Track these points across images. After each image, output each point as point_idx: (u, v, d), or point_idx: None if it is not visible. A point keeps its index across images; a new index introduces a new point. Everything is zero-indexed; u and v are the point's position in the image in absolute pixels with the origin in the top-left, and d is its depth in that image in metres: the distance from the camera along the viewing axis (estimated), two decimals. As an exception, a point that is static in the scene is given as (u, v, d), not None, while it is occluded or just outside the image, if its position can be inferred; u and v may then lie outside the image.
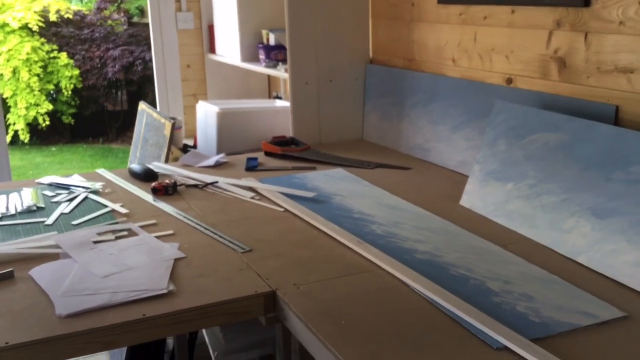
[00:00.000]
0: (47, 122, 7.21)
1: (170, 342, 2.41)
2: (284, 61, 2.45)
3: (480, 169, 1.64)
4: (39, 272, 1.29)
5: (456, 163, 1.92)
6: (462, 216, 1.57)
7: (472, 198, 1.63)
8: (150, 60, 7.38)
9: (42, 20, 7.18)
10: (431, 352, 1.00)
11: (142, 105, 2.62)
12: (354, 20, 2.30)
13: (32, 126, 7.18)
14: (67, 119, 7.52)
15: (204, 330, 1.69)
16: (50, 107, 7.21)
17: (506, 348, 1.00)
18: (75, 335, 1.07)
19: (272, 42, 2.60)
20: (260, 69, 2.64)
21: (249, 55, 2.74)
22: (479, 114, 1.83)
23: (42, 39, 7.23)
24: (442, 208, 1.62)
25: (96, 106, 7.86)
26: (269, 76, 3.23)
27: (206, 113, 2.51)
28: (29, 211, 1.68)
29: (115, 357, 2.37)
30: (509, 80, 1.78)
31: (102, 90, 7.69)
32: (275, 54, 2.54)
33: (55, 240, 1.43)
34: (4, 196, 1.79)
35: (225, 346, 1.51)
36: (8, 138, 6.96)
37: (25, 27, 7.07)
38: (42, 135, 7.50)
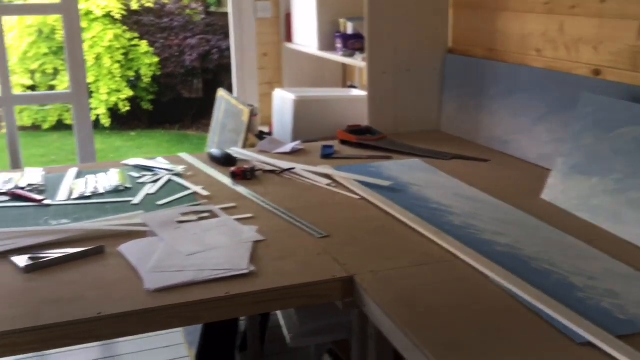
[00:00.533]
0: (127, 108, 7.50)
1: (242, 324, 2.48)
2: (361, 50, 2.45)
3: (564, 162, 1.60)
4: (127, 248, 1.35)
5: (537, 156, 1.88)
6: (543, 210, 1.54)
7: (555, 192, 1.59)
8: (226, 49, 7.54)
9: (124, 8, 7.45)
10: (511, 343, 0.99)
11: (221, 92, 2.68)
12: (434, 9, 2.28)
13: (113, 111, 7.48)
14: (146, 105, 7.79)
15: (279, 313, 1.73)
16: (131, 93, 7.49)
17: (589, 343, 0.98)
18: (163, 309, 1.12)
19: (349, 31, 2.61)
20: (337, 57, 2.65)
21: (326, 44, 2.76)
22: (563, 106, 1.78)
23: (124, 27, 7.51)
24: (521, 201, 1.59)
25: (173, 93, 8.11)
26: (344, 65, 3.24)
27: (283, 100, 2.55)
28: (116, 191, 1.76)
29: (190, 335, 2.46)
30: (597, 72, 1.72)
31: (179, 78, 7.92)
32: (353, 43, 2.54)
33: (142, 219, 1.50)
34: (93, 176, 1.89)
35: (300, 328, 1.54)
36: (91, 122, 7.28)
37: (108, 16, 7.36)
38: (122, 120, 7.80)
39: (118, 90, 7.39)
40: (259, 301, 1.18)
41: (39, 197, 1.68)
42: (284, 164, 1.93)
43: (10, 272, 1.26)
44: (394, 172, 1.85)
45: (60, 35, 7.26)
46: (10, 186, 1.77)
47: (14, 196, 1.70)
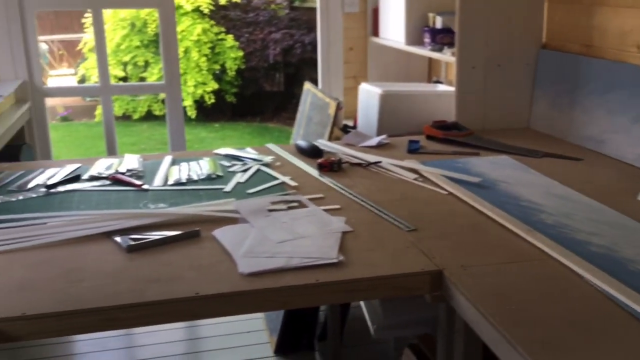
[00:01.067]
0: (212, 100, 7.71)
1: (322, 314, 2.52)
2: (450, 45, 2.43)
3: (665, 163, 1.53)
4: (221, 233, 1.40)
5: (635, 156, 1.81)
6: (641, 212, 1.48)
7: (654, 194, 1.53)
8: (309, 43, 7.62)
9: (213, 3, 7.65)
10: (607, 343, 0.97)
11: (307, 85, 2.73)
12: (529, 3, 2.22)
13: (199, 103, 7.72)
14: (229, 98, 7.99)
15: (362, 305, 1.75)
16: (216, 86, 7.69)
17: (694, 352, 0.94)
18: (256, 292, 1.16)
19: (438, 25, 2.59)
20: (425, 52, 2.64)
21: (414, 38, 2.75)
22: (665, 105, 1.71)
23: (212, 22, 7.71)
24: (618, 202, 1.53)
25: (256, 87, 8.27)
26: (430, 60, 3.22)
27: (368, 94, 2.56)
28: (209, 178, 1.82)
29: (272, 322, 2.52)
30: None
31: (262, 71, 8.07)
32: (441, 38, 2.52)
33: (234, 206, 1.55)
34: (186, 164, 1.96)
35: (384, 321, 1.55)
36: (177, 113, 7.53)
37: (197, 10, 7.59)
38: (206, 112, 8.03)
39: (204, 83, 7.60)
40: (348, 290, 1.20)
41: (138, 182, 1.77)
42: (371, 157, 1.94)
43: (114, 251, 1.34)
44: (482, 169, 1.82)
45: (151, 29, 7.56)
46: (111, 171, 1.87)
47: (115, 180, 1.80)
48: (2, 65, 2.90)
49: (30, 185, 1.76)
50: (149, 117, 7.97)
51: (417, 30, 2.73)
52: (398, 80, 3.21)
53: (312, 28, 7.91)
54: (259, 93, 8.37)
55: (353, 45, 3.27)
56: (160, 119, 7.97)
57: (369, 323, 1.62)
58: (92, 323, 1.10)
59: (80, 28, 8.07)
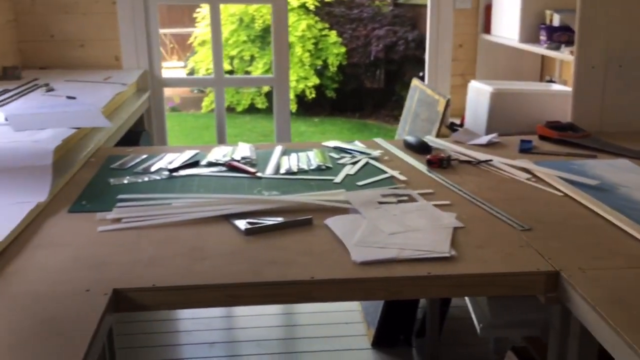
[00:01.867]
0: (313, 95, 7.83)
1: (419, 311, 2.51)
2: (568, 43, 2.35)
3: None
4: (333, 222, 1.44)
5: None
6: None
7: None
8: (412, 40, 7.57)
9: (318, 0, 7.77)
10: None
11: (416, 82, 2.72)
12: (656, 0, 2.11)
13: (300, 97, 7.86)
14: (330, 93, 8.08)
15: (468, 303, 1.74)
16: (317, 81, 7.81)
17: None
18: (369, 280, 1.19)
19: (556, 22, 2.51)
20: (540, 50, 2.56)
21: (528, 36, 2.68)
22: None
23: (316, 18, 7.83)
24: None
25: (356, 83, 8.31)
26: (542, 59, 3.12)
27: (478, 92, 2.52)
28: (319, 169, 1.87)
29: (370, 316, 2.54)
30: None
31: (363, 68, 8.10)
32: (559, 36, 2.44)
33: (345, 197, 1.59)
34: (295, 155, 2.02)
35: (491, 320, 1.54)
36: (279, 107, 7.72)
37: (303, 6, 7.73)
38: (306, 107, 8.16)
39: (306, 78, 7.74)
40: (459, 285, 1.21)
41: (252, 170, 1.84)
42: (481, 156, 1.92)
43: (232, 233, 1.40)
44: (600, 172, 1.76)
45: (258, 25, 7.77)
46: (226, 158, 1.96)
47: (231, 167, 1.88)
48: (126, 55, 3.09)
49: (153, 168, 1.88)
50: (251, 110, 8.21)
51: (533, 27, 2.66)
52: (507, 79, 3.14)
53: (415, 25, 7.85)
54: (359, 89, 8.41)
55: (462, 42, 3.23)
56: (262, 112, 8.19)
57: (475, 322, 1.61)
58: (216, 298, 1.17)
59: (191, 22, 8.41)
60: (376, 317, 2.44)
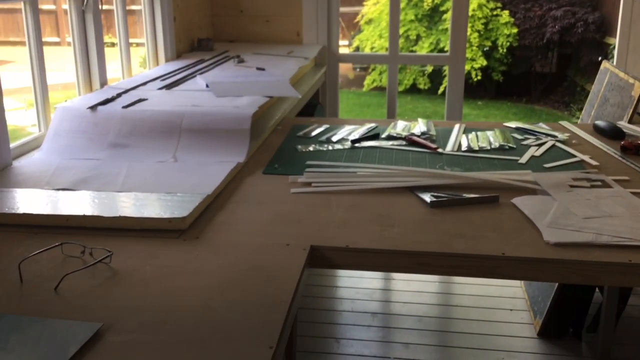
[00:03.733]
0: (479, 77, 7.62)
1: (593, 306, 2.39)
2: None
3: None
4: (521, 202, 1.42)
5: None
6: None
7: None
8: (593, 22, 7.07)
9: (492, -22, 7.51)
10: None
11: (606, 64, 2.56)
12: None
13: (465, 79, 7.69)
14: (496, 76, 7.81)
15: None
16: (484, 62, 7.58)
17: None
18: (562, 262, 1.16)
19: None
20: None
21: None
22: None
23: (489, -4, 7.57)
24: None
25: (525, 66, 7.95)
26: None
27: (679, 78, 2.31)
28: (501, 149, 1.84)
29: (536, 305, 2.46)
30: None
31: (534, 50, 7.72)
32: None
33: (534, 177, 1.55)
34: (474, 133, 2.00)
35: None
36: (441, 88, 7.60)
37: (475, -15, 7.51)
38: (470, 89, 7.96)
39: (473, 59, 7.54)
40: (663, 277, 1.14)
41: (433, 145, 1.85)
42: (684, 145, 1.77)
43: (417, 204, 1.43)
44: None
45: (426, 4, 7.68)
46: (406, 133, 1.98)
47: (411, 142, 1.90)
48: (306, 31, 3.21)
49: (334, 138, 1.95)
50: (412, 90, 8.18)
51: None
52: None
53: (597, 6, 7.31)
54: (527, 73, 8.04)
55: (661, 22, 2.97)
56: (424, 92, 8.12)
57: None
58: (406, 264, 1.20)
59: (359, 2, 8.52)
60: (545, 306, 2.36)
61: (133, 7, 2.79)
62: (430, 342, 2.41)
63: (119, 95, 1.99)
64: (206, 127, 1.73)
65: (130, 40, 2.51)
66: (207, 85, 2.14)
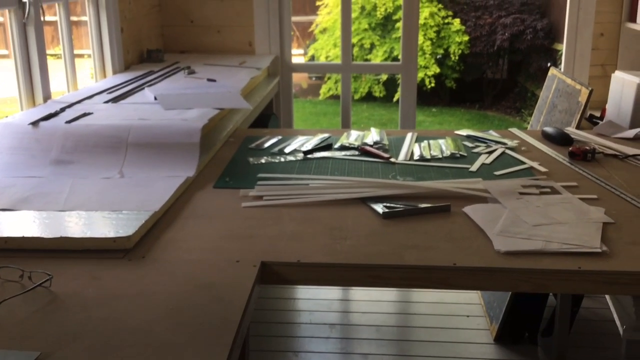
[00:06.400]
0: (432, 84, 7.72)
1: (546, 310, 2.42)
2: None
3: None
4: (472, 210, 1.42)
5: None
6: None
7: None
8: (541, 29, 7.24)
9: (443, -13, 7.63)
10: None
11: (554, 71, 2.61)
12: None
13: (418, 87, 7.75)
14: (449, 83, 7.93)
15: (610, 303, 1.66)
16: (437, 70, 7.68)
17: None
18: (513, 271, 1.16)
19: None
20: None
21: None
22: None
23: (439, 5, 7.69)
24: None
25: (477, 73, 8.10)
26: (695, 49, 2.88)
27: (623, 84, 2.37)
28: (453, 157, 1.85)
29: (492, 310, 2.48)
30: None
31: (485, 57, 7.86)
32: None
33: (484, 185, 1.55)
34: (426, 142, 2.00)
35: (637, 322, 1.46)
36: (396, 96, 7.67)
37: (426, -6, 7.62)
38: (424, 96, 8.07)
39: (426, 67, 7.64)
40: (611, 282, 1.15)
41: (385, 155, 1.85)
42: (628, 150, 1.81)
43: (370, 215, 1.42)
44: None
45: (380, 13, 7.75)
46: (358, 143, 1.97)
47: (364, 152, 1.90)
48: (259, 41, 3.19)
49: (287, 150, 1.93)
50: (368, 98, 8.23)
51: (688, 14, 2.46)
52: (653, 70, 2.93)
53: (545, 13, 7.49)
54: (480, 80, 8.19)
55: (604, 30, 3.05)
56: (379, 100, 8.18)
57: (618, 323, 1.53)
58: (358, 278, 1.18)
59: (312, 11, 8.54)
60: (500, 312, 2.38)
61: (79, 18, 2.73)
62: (389, 352, 2.40)
63: (62, 109, 1.93)
64: (154, 141, 1.69)
65: (80, 52, 2.44)
66: (155, 98, 2.09)
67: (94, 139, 1.69)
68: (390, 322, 2.63)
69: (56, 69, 2.41)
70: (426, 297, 2.77)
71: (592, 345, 2.40)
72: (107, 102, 2.08)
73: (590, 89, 2.22)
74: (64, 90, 2.39)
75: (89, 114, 1.88)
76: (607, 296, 2.37)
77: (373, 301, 2.77)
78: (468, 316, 2.58)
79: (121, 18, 2.73)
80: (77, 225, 1.29)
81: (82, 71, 2.68)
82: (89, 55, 2.65)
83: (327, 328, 2.56)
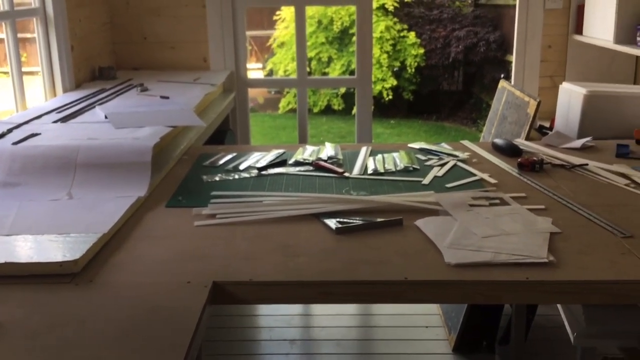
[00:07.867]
0: (390, 97, 7.80)
1: (503, 318, 2.46)
2: (668, 44, 2.24)
3: None
4: (424, 224, 1.43)
5: None
6: None
7: None
8: (494, 41, 7.41)
9: (397, 0, 7.73)
10: None
11: (504, 84, 2.67)
12: None
13: (376, 99, 7.85)
14: (407, 95, 8.03)
15: (561, 310, 1.69)
16: (394, 82, 7.77)
17: None
18: (464, 283, 1.18)
19: (655, 22, 2.40)
20: (637, 51, 2.46)
21: (624, 37, 2.57)
22: None
23: (395, 19, 7.80)
24: None
25: (433, 85, 8.23)
26: (637, 60, 2.99)
27: (570, 95, 2.45)
28: (406, 170, 1.86)
29: (451, 320, 2.51)
30: None
31: (441, 69, 8.00)
32: (659, 36, 2.33)
33: (436, 199, 1.57)
34: (381, 156, 2.02)
35: (587, 329, 1.49)
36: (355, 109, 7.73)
37: (382, 8, 7.71)
38: (383, 108, 8.15)
39: (383, 80, 7.72)
40: (559, 291, 1.17)
41: (339, 170, 1.85)
42: (575, 160, 1.86)
43: (323, 231, 1.42)
44: None
45: (336, 27, 7.81)
46: (313, 158, 1.98)
47: (318, 167, 1.90)
48: (213, 57, 3.18)
49: (242, 166, 1.92)
50: (327, 111, 8.27)
51: (629, 28, 2.55)
52: (599, 81, 3.02)
53: (497, 26, 7.67)
54: (436, 91, 8.32)
55: (552, 43, 3.14)
56: (338, 113, 8.22)
57: (569, 330, 1.56)
58: (311, 295, 1.18)
59: (270, 25, 8.56)
60: (458, 322, 2.40)
61: (28, 35, 2.68)
62: (350, 366, 2.40)
63: (9, 130, 1.88)
64: (104, 160, 1.66)
65: (32, 69, 2.39)
66: (106, 117, 2.06)
67: (42, 160, 1.65)
68: (351, 336, 2.63)
69: (6, 86, 2.36)
70: (386, 309, 2.78)
71: (548, 351, 2.44)
72: (56, 121, 2.04)
73: (538, 100, 2.27)
74: (13, 109, 2.33)
75: (37, 134, 1.84)
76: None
77: (333, 315, 2.76)
78: (427, 327, 2.60)
79: (71, 36, 2.68)
80: (22, 249, 1.25)
81: (35, 88, 2.63)
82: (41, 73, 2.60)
83: (287, 344, 2.54)
